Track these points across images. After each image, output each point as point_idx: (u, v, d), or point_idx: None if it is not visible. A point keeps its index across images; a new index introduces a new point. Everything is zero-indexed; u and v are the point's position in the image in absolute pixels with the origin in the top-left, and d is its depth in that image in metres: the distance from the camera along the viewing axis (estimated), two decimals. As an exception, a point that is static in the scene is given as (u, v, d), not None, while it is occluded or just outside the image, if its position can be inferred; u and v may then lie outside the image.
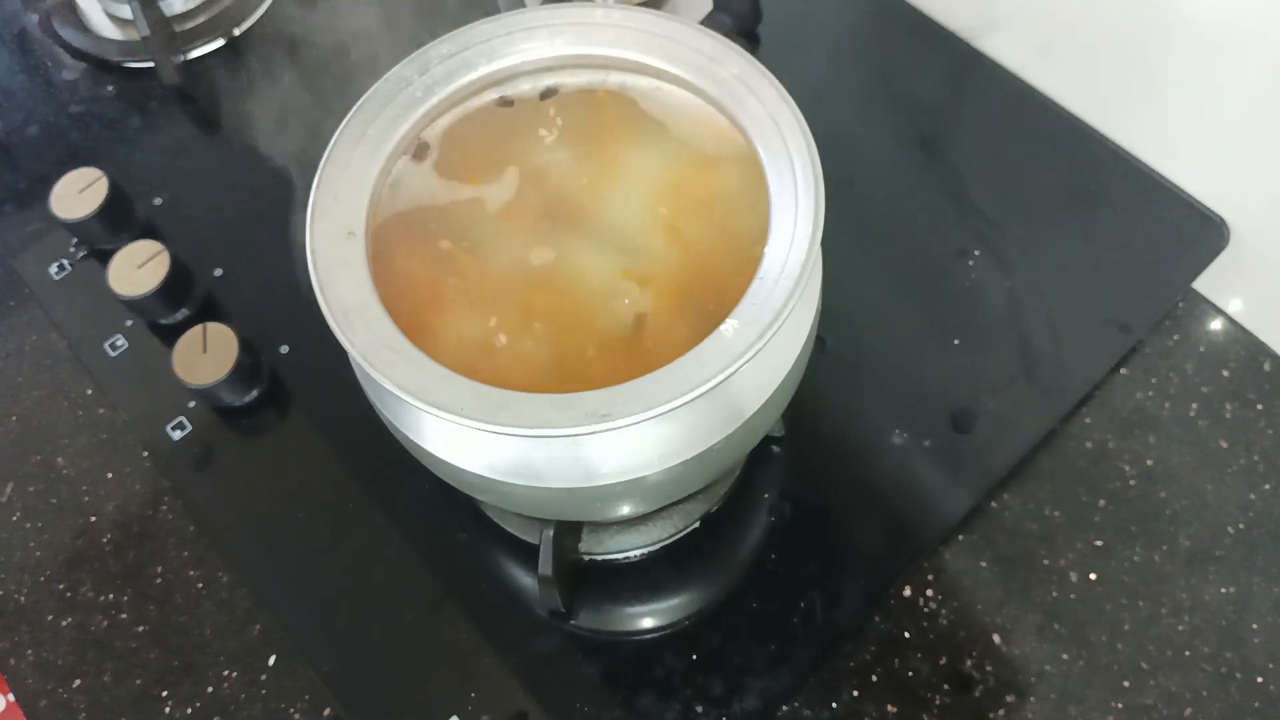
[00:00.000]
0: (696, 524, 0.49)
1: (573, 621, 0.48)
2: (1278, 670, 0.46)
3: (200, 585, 0.50)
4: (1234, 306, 0.55)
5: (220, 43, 0.68)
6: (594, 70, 0.43)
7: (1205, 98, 0.53)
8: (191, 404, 0.54)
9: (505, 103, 0.43)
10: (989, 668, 0.46)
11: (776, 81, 0.39)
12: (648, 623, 0.48)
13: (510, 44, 0.42)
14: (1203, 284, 0.55)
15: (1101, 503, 0.50)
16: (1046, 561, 0.49)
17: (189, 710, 0.47)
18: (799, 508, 0.50)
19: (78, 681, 0.49)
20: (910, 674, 0.46)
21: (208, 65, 0.67)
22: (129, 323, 0.57)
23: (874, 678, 0.47)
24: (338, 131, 0.40)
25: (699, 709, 0.45)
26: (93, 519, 0.53)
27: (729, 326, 0.34)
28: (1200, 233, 0.56)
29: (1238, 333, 0.54)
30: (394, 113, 0.41)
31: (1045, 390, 0.52)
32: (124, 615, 0.50)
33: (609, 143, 0.42)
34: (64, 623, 0.50)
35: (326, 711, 0.47)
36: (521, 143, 0.42)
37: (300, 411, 0.54)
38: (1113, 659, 0.47)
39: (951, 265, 0.56)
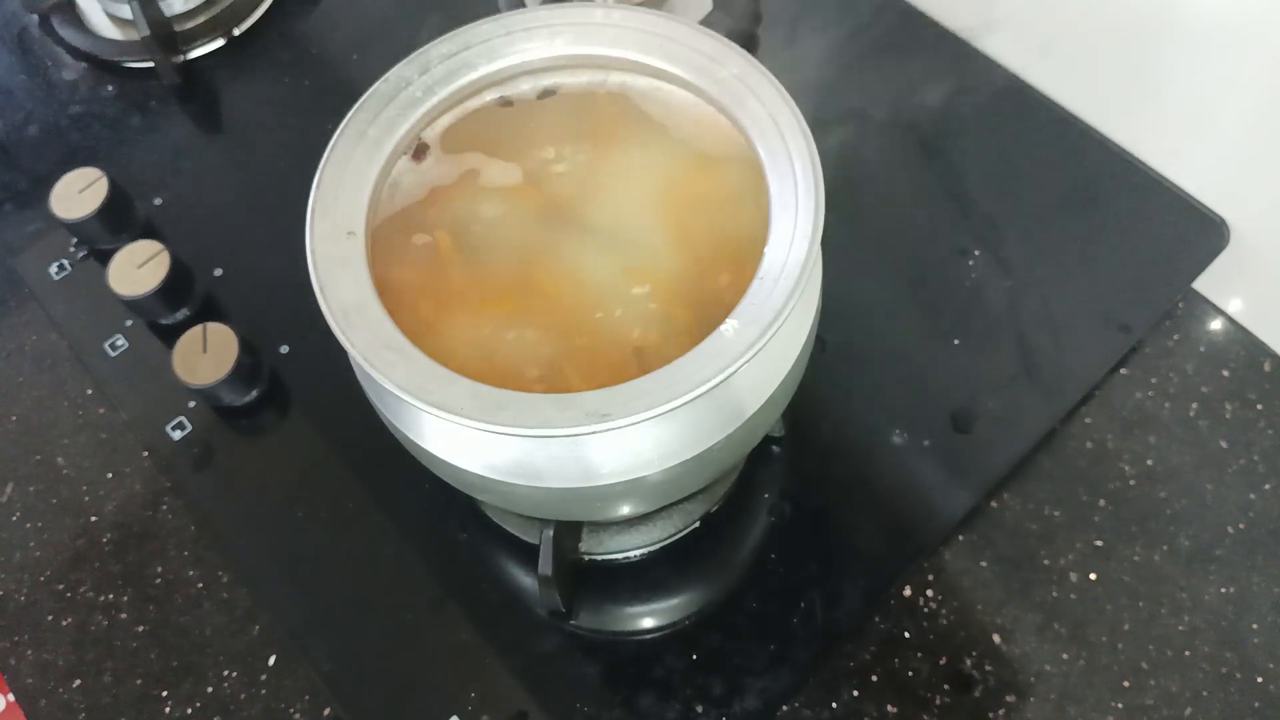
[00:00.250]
0: (696, 524, 0.49)
1: (573, 621, 0.48)
2: (1278, 670, 0.46)
3: (200, 585, 0.50)
4: (1234, 306, 0.55)
5: (220, 43, 0.68)
6: (594, 70, 0.43)
7: (1205, 98, 0.53)
8: (191, 404, 0.54)
9: (505, 103, 0.43)
10: (989, 668, 0.46)
11: (776, 81, 0.39)
12: (648, 623, 0.48)
13: (510, 44, 0.42)
14: (1203, 284, 0.55)
15: (1101, 503, 0.50)
16: (1046, 561, 0.49)
17: (189, 710, 0.47)
18: (799, 508, 0.50)
19: (78, 681, 0.49)
20: (910, 674, 0.46)
21: (208, 65, 0.67)
22: (129, 323, 0.57)
23: (874, 678, 0.47)
24: (338, 131, 0.40)
25: (699, 709, 0.45)
26: (93, 519, 0.53)
27: (729, 326, 0.34)
28: (1200, 233, 0.56)
29: (1238, 333, 0.54)
30: (394, 113, 0.41)
31: (1045, 390, 0.52)
32: (124, 615, 0.50)
33: (609, 143, 0.42)
34: (64, 623, 0.50)
35: (326, 711, 0.47)
36: (521, 143, 0.42)
37: (300, 411, 0.54)
38: (1113, 659, 0.47)
39: (951, 265, 0.56)
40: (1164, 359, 0.54)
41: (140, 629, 0.49)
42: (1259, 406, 0.52)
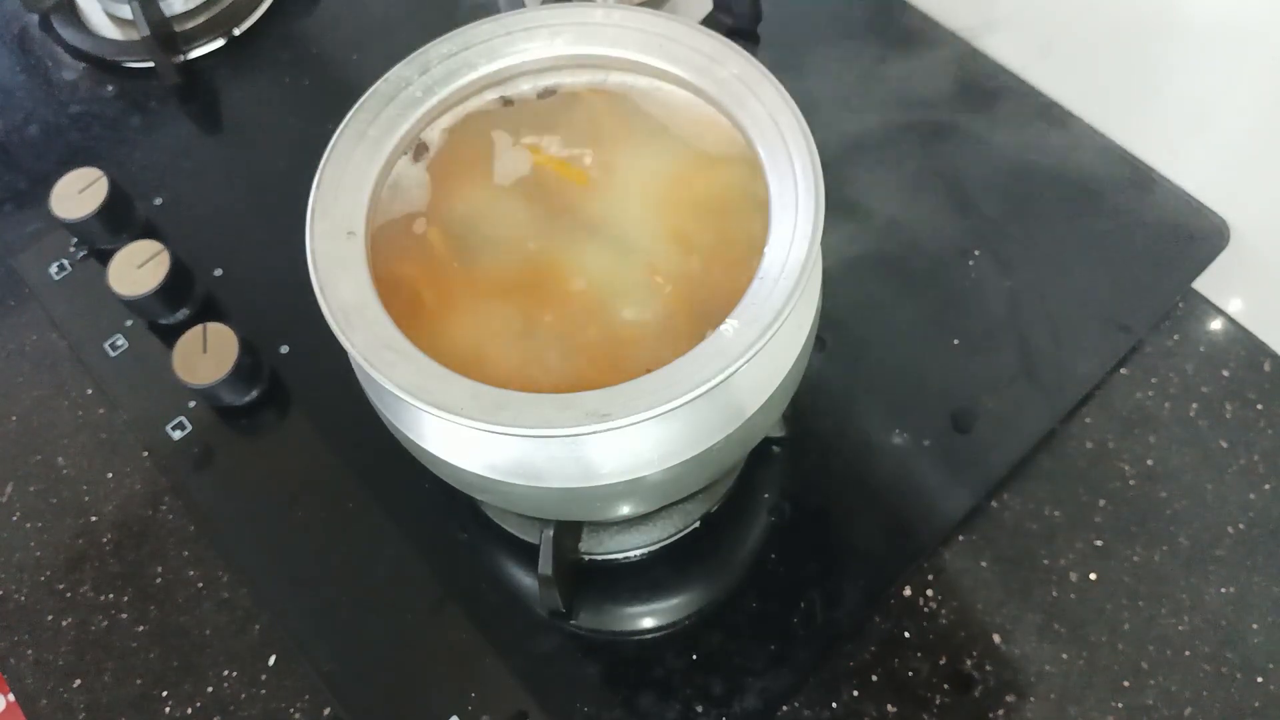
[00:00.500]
0: (696, 524, 0.49)
1: (573, 621, 0.48)
2: (1278, 670, 0.46)
3: (200, 585, 0.50)
4: (1234, 306, 0.55)
5: (220, 43, 0.68)
6: (594, 70, 0.43)
7: (1205, 98, 0.53)
8: (191, 404, 0.54)
9: (505, 103, 0.43)
10: (989, 668, 0.46)
11: (776, 81, 0.39)
12: (648, 623, 0.48)
13: (510, 44, 0.42)
14: (1203, 284, 0.55)
15: (1101, 503, 0.50)
16: (1046, 561, 0.49)
17: (189, 710, 0.47)
18: (799, 508, 0.50)
19: (78, 681, 0.49)
20: (910, 674, 0.46)
21: (208, 65, 0.67)
22: (129, 323, 0.57)
23: (874, 678, 0.47)
24: (338, 131, 0.40)
25: (699, 709, 0.45)
26: (93, 519, 0.53)
27: (729, 326, 0.34)
28: (1200, 233, 0.56)
29: (1238, 333, 0.54)
30: (394, 113, 0.41)
31: (1045, 390, 0.52)
32: (124, 615, 0.50)
33: (609, 143, 0.42)
34: (64, 623, 0.50)
35: (326, 711, 0.47)
36: (521, 143, 0.42)
37: (300, 411, 0.54)
38: (1113, 659, 0.47)
39: (951, 265, 0.56)
40: (1164, 359, 0.54)
41: (140, 629, 0.49)
42: (1259, 406, 0.52)
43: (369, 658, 0.47)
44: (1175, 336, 0.54)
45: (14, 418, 0.56)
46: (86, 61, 0.68)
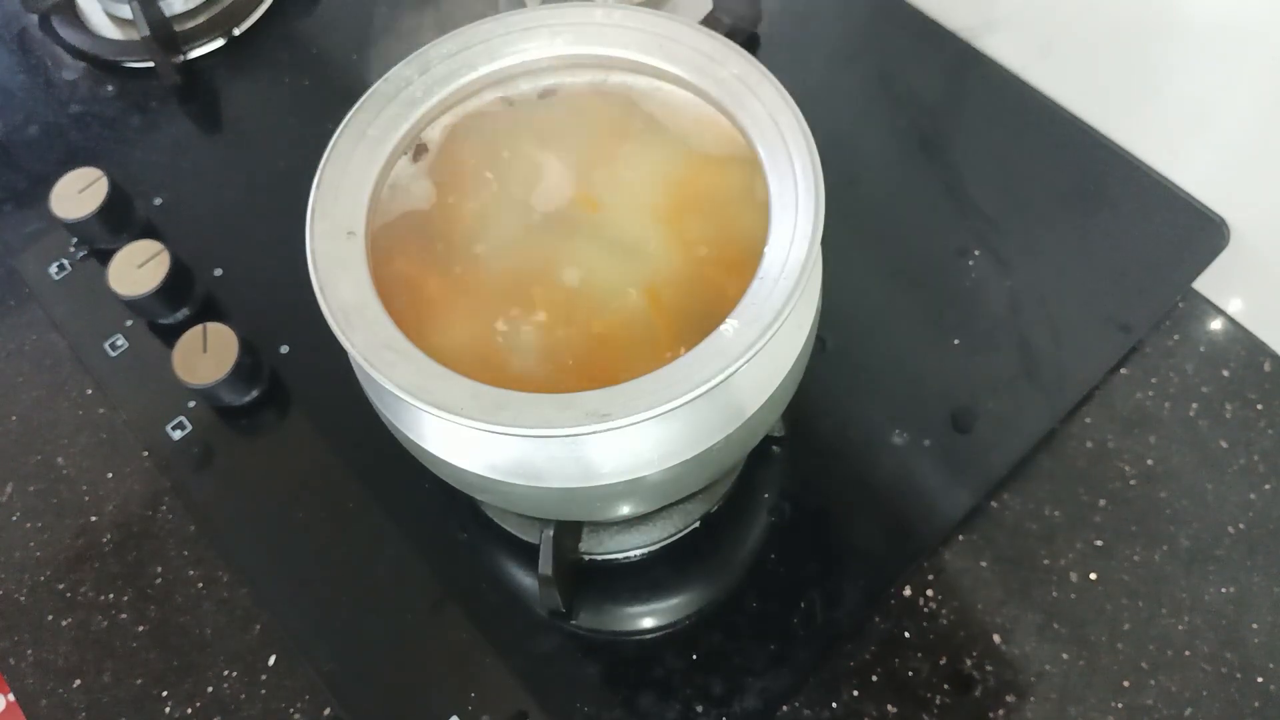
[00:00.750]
0: (696, 524, 0.49)
1: (573, 621, 0.48)
2: (1278, 670, 0.46)
3: (200, 585, 0.50)
4: (1234, 306, 0.55)
5: (220, 43, 0.68)
6: (594, 70, 0.43)
7: (1205, 98, 0.53)
8: (191, 404, 0.54)
9: (505, 103, 0.43)
10: (989, 668, 0.46)
11: (776, 81, 0.39)
12: (648, 623, 0.48)
13: (510, 44, 0.42)
14: (1203, 284, 0.55)
15: (1101, 503, 0.50)
16: (1046, 561, 0.49)
17: (189, 710, 0.47)
18: (799, 508, 0.50)
19: (78, 681, 0.49)
20: (910, 674, 0.46)
21: (208, 65, 0.67)
22: (129, 323, 0.57)
23: (874, 678, 0.47)
24: (338, 131, 0.40)
25: (699, 709, 0.45)
26: (93, 519, 0.53)
27: (729, 326, 0.34)
28: (1200, 233, 0.56)
29: (1238, 333, 0.54)
30: (394, 112, 0.41)
31: (1045, 390, 0.52)
32: (124, 615, 0.50)
33: (609, 143, 0.42)
34: (64, 623, 0.50)
35: (326, 711, 0.47)
36: (521, 143, 0.42)
37: (300, 411, 0.54)
38: (1113, 659, 0.47)
39: (951, 265, 0.56)
40: (1164, 359, 0.54)
41: (140, 629, 0.49)
42: (1259, 406, 0.52)
43: (369, 658, 0.47)
44: (1175, 336, 0.54)
45: (14, 418, 0.56)
46: (86, 61, 0.68)
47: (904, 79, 0.63)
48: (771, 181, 0.37)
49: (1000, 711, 0.46)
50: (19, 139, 0.65)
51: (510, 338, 0.37)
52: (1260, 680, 0.46)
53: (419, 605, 0.48)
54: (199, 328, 0.53)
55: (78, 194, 0.57)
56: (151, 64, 0.66)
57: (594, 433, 0.32)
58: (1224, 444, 0.51)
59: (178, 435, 0.53)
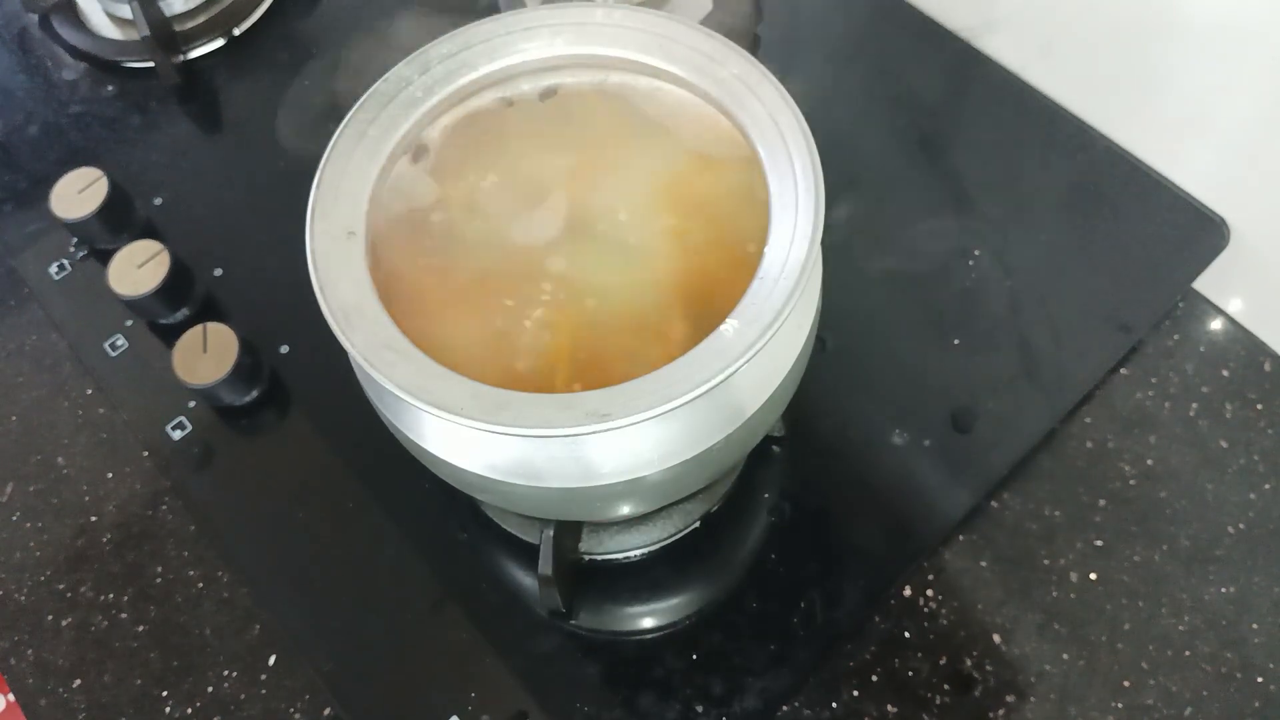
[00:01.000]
0: (696, 524, 0.49)
1: (573, 621, 0.48)
2: (1278, 670, 0.46)
3: (200, 585, 0.50)
4: (1234, 306, 0.55)
5: (220, 43, 0.68)
6: (594, 70, 0.43)
7: (1205, 98, 0.53)
8: (191, 404, 0.54)
9: (505, 103, 0.43)
10: (989, 668, 0.46)
11: (776, 81, 0.39)
12: (648, 623, 0.48)
13: (510, 44, 0.42)
14: (1203, 284, 0.55)
15: (1101, 503, 0.50)
16: (1046, 561, 0.49)
17: (189, 710, 0.47)
18: (799, 508, 0.50)
19: (78, 681, 0.49)
20: (910, 674, 0.46)
21: (208, 65, 0.67)
22: (129, 323, 0.57)
23: (874, 678, 0.47)
24: (338, 131, 0.40)
25: (699, 709, 0.45)
26: (93, 519, 0.53)
27: (729, 326, 0.34)
28: (1200, 233, 0.56)
29: (1238, 333, 0.54)
30: (394, 113, 0.41)
31: (1045, 390, 0.52)
32: (124, 615, 0.50)
33: (609, 143, 0.42)
34: (64, 623, 0.50)
35: (326, 711, 0.47)
36: (521, 143, 0.42)
37: (300, 411, 0.54)
38: (1113, 659, 0.47)
39: (951, 265, 0.56)
40: (1164, 359, 0.54)
41: (140, 629, 0.49)
42: (1259, 406, 0.52)
43: (369, 657, 0.47)
44: (1175, 336, 0.54)
45: (14, 418, 0.56)
46: (86, 61, 0.68)
47: (904, 79, 0.63)
48: (771, 181, 0.37)
49: (1000, 711, 0.46)
50: (19, 139, 0.65)
51: (510, 338, 0.37)
52: (1260, 680, 0.46)
53: (419, 605, 0.48)
54: (199, 328, 0.53)
55: (78, 194, 0.57)
56: (151, 64, 0.66)
57: (594, 433, 0.32)
58: (1224, 444, 0.51)
59: (178, 435, 0.53)
